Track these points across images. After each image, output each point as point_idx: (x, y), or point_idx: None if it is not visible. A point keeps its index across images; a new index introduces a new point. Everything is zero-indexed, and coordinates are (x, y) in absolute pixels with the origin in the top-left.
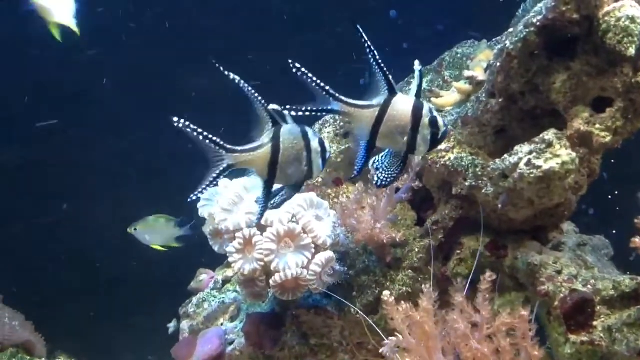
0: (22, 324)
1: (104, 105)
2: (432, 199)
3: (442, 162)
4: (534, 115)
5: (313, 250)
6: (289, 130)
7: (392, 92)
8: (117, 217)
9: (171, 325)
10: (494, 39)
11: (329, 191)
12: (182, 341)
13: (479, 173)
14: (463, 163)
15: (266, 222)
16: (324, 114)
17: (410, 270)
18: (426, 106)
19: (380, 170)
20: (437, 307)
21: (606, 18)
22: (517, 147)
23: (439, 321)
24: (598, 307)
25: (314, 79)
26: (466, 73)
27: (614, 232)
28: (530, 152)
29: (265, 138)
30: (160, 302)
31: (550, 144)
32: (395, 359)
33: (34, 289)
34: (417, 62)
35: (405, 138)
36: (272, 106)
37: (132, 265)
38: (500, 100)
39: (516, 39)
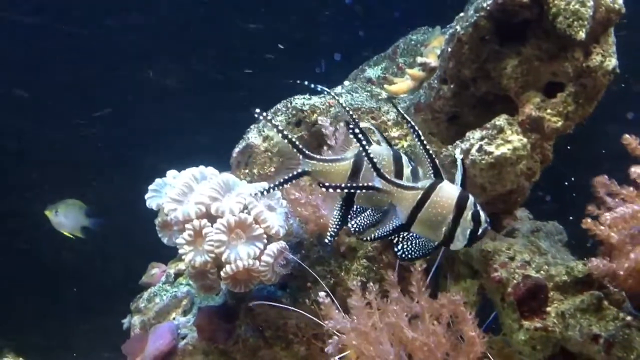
0: None
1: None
2: None
3: None
4: (486, 101)
5: (265, 241)
6: (377, 150)
7: (438, 177)
8: None
9: (126, 321)
10: (448, 25)
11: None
12: (132, 337)
13: None
14: (416, 150)
15: (217, 212)
16: (365, 190)
17: (364, 260)
18: (471, 198)
19: (407, 244)
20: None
21: (556, 2)
22: (468, 134)
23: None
24: (551, 293)
25: (367, 149)
26: (419, 59)
27: (571, 218)
28: (482, 138)
29: (349, 153)
30: (117, 297)
31: (501, 130)
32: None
33: None
34: (457, 152)
35: (444, 229)
36: (363, 124)
37: (87, 260)
38: (451, 86)
39: (467, 23)
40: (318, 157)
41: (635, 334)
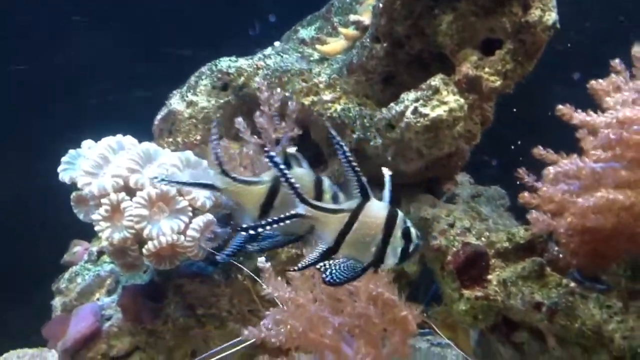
0: None
1: None
2: (322, 154)
3: (328, 114)
4: (421, 60)
5: (190, 214)
6: (298, 173)
7: (365, 196)
8: None
9: (54, 303)
10: None
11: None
12: (53, 320)
13: (367, 124)
14: (350, 114)
15: (136, 184)
16: (289, 220)
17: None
18: (400, 215)
19: (335, 268)
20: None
21: None
22: (402, 95)
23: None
24: (492, 260)
25: (289, 178)
26: (352, 17)
27: (518, 183)
28: (417, 100)
29: (266, 176)
30: (44, 279)
31: (437, 90)
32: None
33: None
34: (385, 170)
35: (374, 249)
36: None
37: (8, 237)
38: (384, 44)
39: None
40: (234, 175)
41: (579, 301)
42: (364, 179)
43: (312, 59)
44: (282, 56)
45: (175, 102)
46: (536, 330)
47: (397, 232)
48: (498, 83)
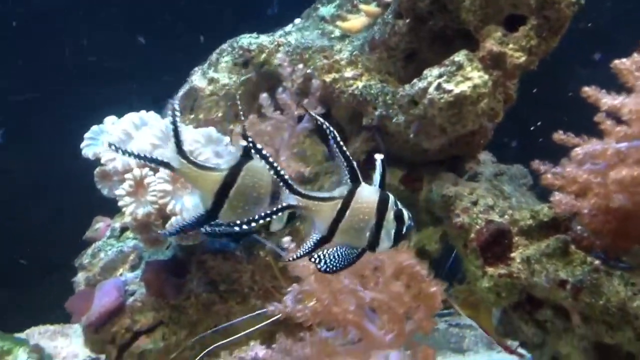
0: None
1: None
2: (343, 132)
3: (349, 92)
4: (444, 36)
5: None
6: (256, 166)
7: (355, 181)
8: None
9: (76, 279)
10: None
11: (231, 126)
12: (77, 294)
13: (389, 101)
14: (372, 91)
15: None
16: (281, 212)
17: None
18: (391, 198)
19: (329, 257)
20: None
21: None
22: (426, 71)
23: None
24: (516, 238)
25: (277, 167)
26: None
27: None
28: (440, 76)
29: (224, 164)
30: (66, 255)
31: (460, 66)
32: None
33: None
34: (377, 155)
35: (368, 234)
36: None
37: (36, 217)
38: (407, 21)
39: None
40: (191, 159)
41: (604, 278)
42: (354, 163)
43: (332, 36)
44: (303, 33)
45: (197, 79)
46: (560, 308)
47: (390, 215)
48: (522, 59)
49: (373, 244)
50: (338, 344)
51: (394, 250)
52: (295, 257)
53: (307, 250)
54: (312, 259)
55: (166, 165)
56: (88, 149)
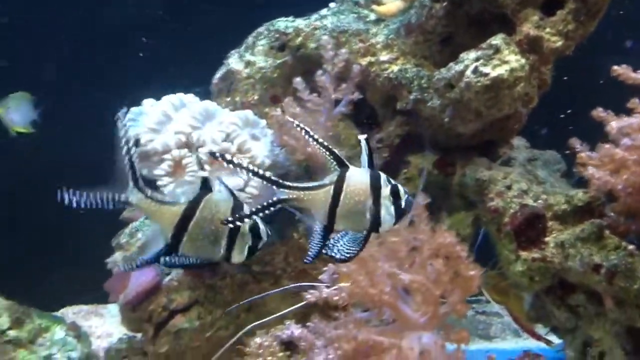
0: None
1: None
2: (377, 116)
3: (385, 75)
4: (481, 20)
5: None
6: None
7: (342, 166)
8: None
9: (110, 260)
10: None
11: (266, 109)
12: (114, 274)
13: (424, 85)
14: (407, 75)
15: (198, 141)
16: (273, 208)
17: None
18: (383, 176)
19: (340, 245)
20: None
21: None
22: (462, 54)
23: (381, 245)
24: (550, 223)
25: (257, 170)
26: None
27: (567, 152)
28: (477, 59)
29: (183, 197)
30: (99, 238)
31: (498, 50)
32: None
33: None
34: (361, 135)
35: (368, 215)
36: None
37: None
38: (444, 4)
39: None
40: (149, 193)
41: (638, 263)
42: (335, 150)
43: (368, 19)
44: (338, 17)
45: (234, 61)
46: (592, 292)
47: (386, 192)
48: (559, 43)
49: (376, 225)
50: (372, 325)
51: (433, 231)
52: (310, 257)
53: (318, 245)
54: (325, 252)
55: (125, 202)
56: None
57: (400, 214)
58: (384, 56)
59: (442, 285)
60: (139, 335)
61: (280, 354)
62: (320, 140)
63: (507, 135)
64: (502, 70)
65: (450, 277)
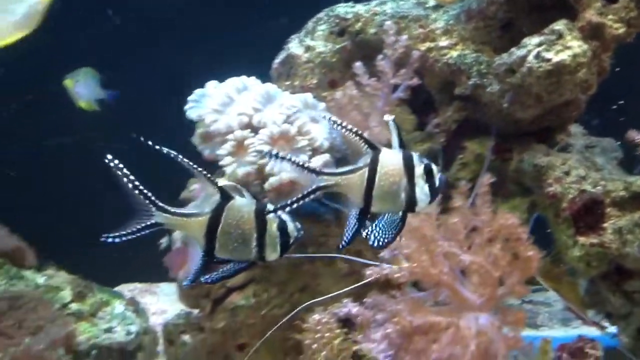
0: (7, 234)
1: None
2: (434, 102)
3: (444, 61)
4: (542, 6)
5: (310, 153)
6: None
7: (374, 149)
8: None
9: (164, 241)
10: None
11: (324, 93)
12: (174, 250)
13: (484, 70)
14: (467, 61)
15: (259, 123)
16: (312, 195)
17: None
18: (416, 155)
19: (376, 231)
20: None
21: None
22: (525, 39)
23: (441, 225)
24: (608, 209)
25: (297, 161)
26: None
27: (618, 143)
28: (540, 44)
29: (207, 207)
30: None
31: (560, 35)
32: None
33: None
34: (388, 116)
35: (403, 195)
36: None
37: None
38: None
39: None
40: (172, 210)
41: None
42: (364, 133)
43: (427, 5)
44: (398, 3)
45: (294, 46)
46: None
47: (419, 171)
48: (621, 30)
49: (411, 204)
50: (429, 304)
51: (495, 213)
52: (345, 242)
53: (354, 229)
54: (365, 238)
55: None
56: (192, 111)
57: (434, 192)
58: (443, 42)
59: (501, 267)
60: (195, 311)
61: (338, 331)
62: (349, 126)
63: (566, 122)
64: (564, 56)
65: (509, 260)
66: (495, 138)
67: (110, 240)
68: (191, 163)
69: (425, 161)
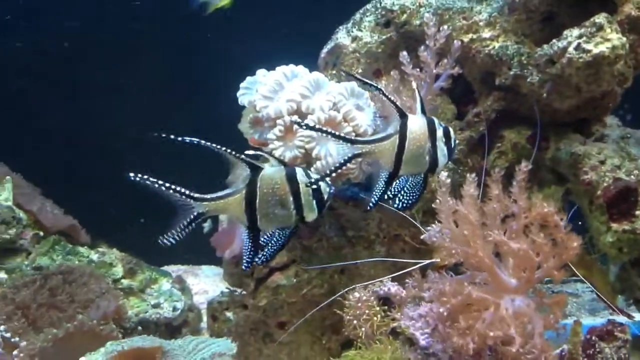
0: (62, 214)
1: None
2: (473, 92)
3: (486, 52)
4: (583, 0)
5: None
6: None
7: (402, 116)
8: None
9: (206, 225)
10: None
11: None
12: (221, 231)
13: (525, 61)
14: (508, 52)
15: (307, 109)
16: (349, 162)
17: (450, 162)
18: (435, 119)
19: (402, 193)
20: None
21: None
22: (566, 32)
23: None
24: None
25: (331, 131)
26: None
27: None
28: (580, 36)
29: (241, 184)
30: None
31: (601, 28)
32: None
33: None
34: (414, 84)
35: (427, 157)
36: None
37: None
38: None
39: None
40: (209, 197)
41: None
42: (397, 101)
43: None
44: None
45: (341, 36)
46: None
47: (440, 134)
48: None
49: (433, 165)
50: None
51: (531, 200)
52: (374, 202)
53: (381, 191)
54: (388, 199)
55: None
56: (243, 97)
57: (450, 153)
58: (486, 33)
59: (543, 253)
60: (238, 290)
61: (377, 308)
62: (387, 93)
63: (601, 114)
64: (603, 48)
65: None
66: (535, 128)
67: (166, 242)
68: (214, 145)
69: (444, 125)
